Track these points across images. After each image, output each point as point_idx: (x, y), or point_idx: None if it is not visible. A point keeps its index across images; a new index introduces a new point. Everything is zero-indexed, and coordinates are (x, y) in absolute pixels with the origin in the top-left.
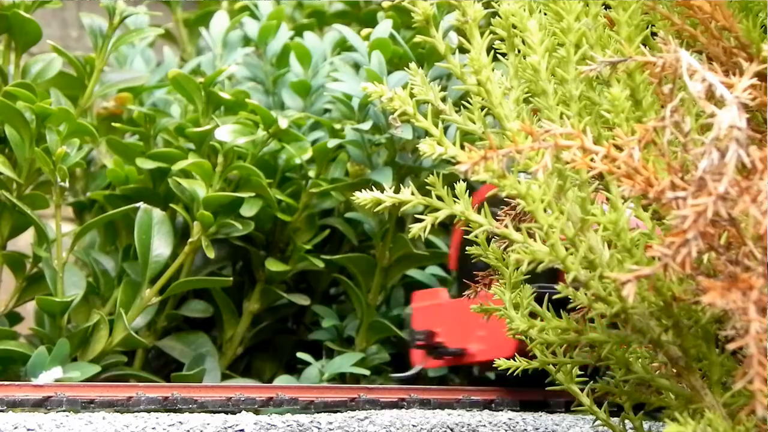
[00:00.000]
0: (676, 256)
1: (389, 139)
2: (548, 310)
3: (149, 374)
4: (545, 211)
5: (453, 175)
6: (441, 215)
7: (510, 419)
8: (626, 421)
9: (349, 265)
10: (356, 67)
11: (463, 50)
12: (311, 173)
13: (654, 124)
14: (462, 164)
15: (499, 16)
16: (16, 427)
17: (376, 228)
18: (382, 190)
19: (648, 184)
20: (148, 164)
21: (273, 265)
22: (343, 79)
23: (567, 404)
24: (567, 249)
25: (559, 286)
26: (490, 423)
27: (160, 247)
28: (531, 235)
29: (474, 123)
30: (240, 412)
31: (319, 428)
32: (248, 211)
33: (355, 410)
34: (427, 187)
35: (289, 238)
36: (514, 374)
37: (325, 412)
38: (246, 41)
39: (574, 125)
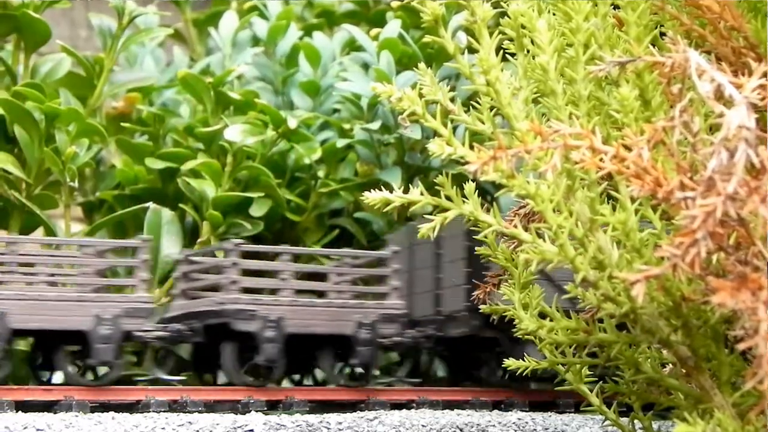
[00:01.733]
0: (686, 256)
1: (398, 138)
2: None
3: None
4: (554, 211)
5: (462, 175)
6: (450, 215)
7: (519, 419)
8: (636, 421)
9: None
10: (365, 66)
11: (472, 50)
12: (320, 173)
13: (663, 124)
14: (471, 164)
15: (508, 16)
16: (25, 427)
17: (385, 228)
18: (391, 190)
19: (657, 184)
20: (158, 164)
21: None
22: (352, 79)
23: None
24: (576, 249)
25: (568, 287)
26: (500, 423)
27: (170, 247)
28: (540, 235)
29: (483, 123)
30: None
31: (328, 428)
32: (257, 210)
33: (364, 410)
34: (436, 187)
35: (298, 238)
36: None
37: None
38: (255, 41)
39: (583, 125)
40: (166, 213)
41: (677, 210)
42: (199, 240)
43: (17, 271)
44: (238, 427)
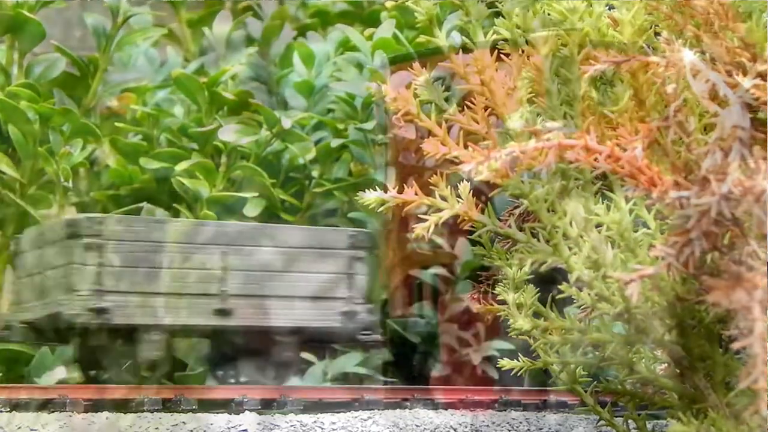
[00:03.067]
0: (680, 255)
1: (392, 138)
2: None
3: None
4: (549, 210)
5: (456, 175)
6: (444, 215)
7: (513, 419)
8: (630, 420)
9: None
10: (359, 66)
11: (466, 50)
12: (315, 173)
13: (657, 123)
14: (466, 164)
15: (503, 16)
16: (19, 427)
17: (379, 228)
18: (385, 189)
19: (651, 184)
20: (152, 164)
21: None
22: (346, 79)
23: None
24: (570, 249)
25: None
26: (494, 423)
27: None
28: (534, 235)
29: (477, 123)
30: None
31: (322, 428)
32: (252, 211)
33: (358, 410)
34: (431, 187)
35: None
36: None
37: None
38: (249, 41)
39: (577, 125)
40: (160, 213)
41: (672, 210)
42: None
43: None
44: (232, 427)
